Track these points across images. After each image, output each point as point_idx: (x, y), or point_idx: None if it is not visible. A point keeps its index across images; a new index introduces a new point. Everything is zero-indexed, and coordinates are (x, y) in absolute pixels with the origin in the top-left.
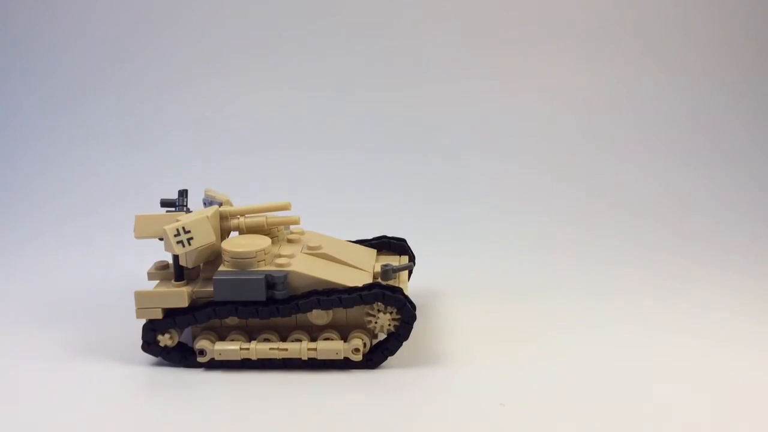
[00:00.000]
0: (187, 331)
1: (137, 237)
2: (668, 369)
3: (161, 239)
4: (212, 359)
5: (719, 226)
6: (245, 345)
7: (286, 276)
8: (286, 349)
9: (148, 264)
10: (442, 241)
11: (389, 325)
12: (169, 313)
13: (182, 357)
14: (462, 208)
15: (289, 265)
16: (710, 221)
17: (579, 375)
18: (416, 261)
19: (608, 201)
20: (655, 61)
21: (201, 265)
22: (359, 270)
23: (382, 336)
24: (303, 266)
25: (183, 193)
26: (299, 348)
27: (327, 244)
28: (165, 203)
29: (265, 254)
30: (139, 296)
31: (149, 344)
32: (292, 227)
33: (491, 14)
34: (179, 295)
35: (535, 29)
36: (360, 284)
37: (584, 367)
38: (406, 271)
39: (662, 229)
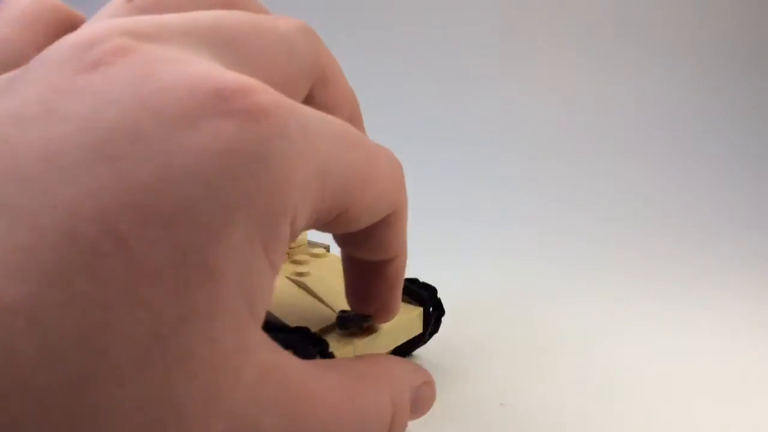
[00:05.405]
0: None
1: None
2: (669, 370)
3: None
4: None
5: (724, 231)
6: None
7: None
8: None
9: None
10: (442, 242)
11: None
12: None
13: None
14: (462, 209)
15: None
16: (715, 226)
17: (579, 375)
18: (416, 265)
19: (610, 205)
20: (656, 64)
21: None
22: (325, 308)
23: None
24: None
25: None
26: None
27: (320, 271)
28: None
29: None
30: None
31: None
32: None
33: (488, 15)
34: None
35: (534, 31)
36: (304, 324)
37: (585, 368)
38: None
39: (665, 234)
